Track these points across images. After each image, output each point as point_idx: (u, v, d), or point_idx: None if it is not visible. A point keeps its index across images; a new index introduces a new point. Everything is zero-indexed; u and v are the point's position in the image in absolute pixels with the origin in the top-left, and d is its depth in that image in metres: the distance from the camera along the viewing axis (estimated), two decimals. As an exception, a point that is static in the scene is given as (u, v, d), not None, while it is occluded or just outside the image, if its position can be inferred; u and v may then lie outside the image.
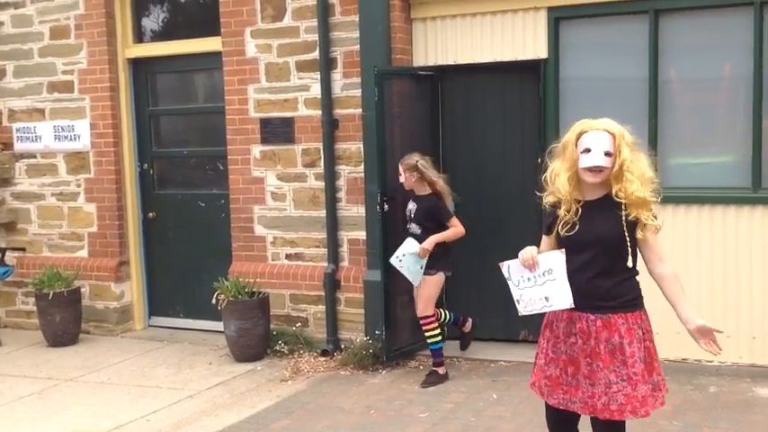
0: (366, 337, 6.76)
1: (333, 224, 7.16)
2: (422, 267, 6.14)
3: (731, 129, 6.30)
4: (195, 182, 8.09)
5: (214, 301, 6.99)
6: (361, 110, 6.86)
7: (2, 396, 6.35)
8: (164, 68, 8.09)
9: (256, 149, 7.45)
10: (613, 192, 3.43)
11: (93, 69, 8.00)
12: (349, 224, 7.15)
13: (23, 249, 8.43)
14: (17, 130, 8.40)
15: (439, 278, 6.24)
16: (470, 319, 6.79)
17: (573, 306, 3.44)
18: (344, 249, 7.22)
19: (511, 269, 3.58)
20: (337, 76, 7.05)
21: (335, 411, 5.69)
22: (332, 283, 7.17)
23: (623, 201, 3.41)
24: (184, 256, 8.07)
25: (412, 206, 6.30)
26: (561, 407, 3.56)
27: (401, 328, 6.78)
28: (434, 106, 7.04)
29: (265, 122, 7.36)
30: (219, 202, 7.80)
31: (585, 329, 3.46)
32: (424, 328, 6.24)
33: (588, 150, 3.43)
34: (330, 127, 7.07)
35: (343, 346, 7.01)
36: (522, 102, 6.83)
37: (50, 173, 8.34)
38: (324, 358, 6.91)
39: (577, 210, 3.47)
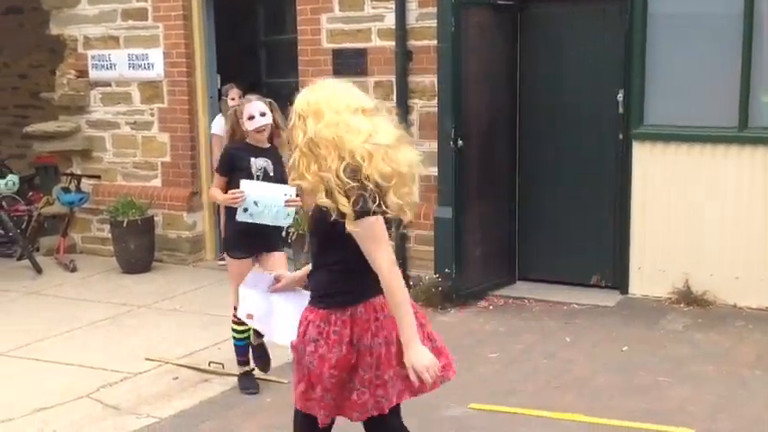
0: (436, 275, 6.67)
1: (404, 159, 7.01)
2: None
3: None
4: (267, 113, 8.01)
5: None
6: (436, 41, 6.62)
7: (77, 320, 6.49)
8: (236, -4, 7.99)
9: (328, 81, 7.31)
10: None
11: (167, -4, 7.94)
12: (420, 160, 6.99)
13: (98, 177, 8.53)
14: (92, 58, 8.43)
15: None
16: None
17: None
18: (415, 185, 7.06)
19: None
20: (412, 5, 6.84)
21: (403, 348, 5.65)
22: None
23: None
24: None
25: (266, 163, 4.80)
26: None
27: (472, 268, 6.66)
28: (513, 39, 6.77)
29: (338, 53, 7.20)
30: (290, 133, 7.72)
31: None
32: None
33: None
34: (404, 59, 6.88)
35: (411, 284, 6.92)
36: (603, 37, 6.52)
37: (124, 101, 8.36)
38: (392, 294, 6.85)
39: None
